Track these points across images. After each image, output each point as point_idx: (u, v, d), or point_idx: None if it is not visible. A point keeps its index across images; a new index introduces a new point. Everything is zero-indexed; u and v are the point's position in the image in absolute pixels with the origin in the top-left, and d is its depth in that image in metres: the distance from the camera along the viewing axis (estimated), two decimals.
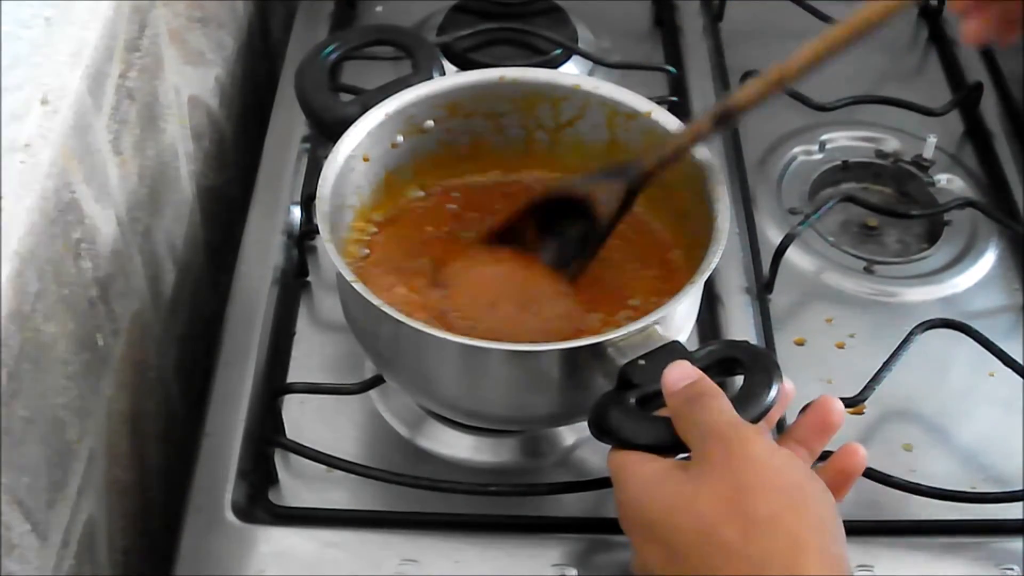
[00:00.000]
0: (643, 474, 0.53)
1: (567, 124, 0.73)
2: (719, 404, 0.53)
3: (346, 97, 0.72)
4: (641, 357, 0.57)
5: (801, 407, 0.68)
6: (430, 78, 0.72)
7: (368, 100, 0.70)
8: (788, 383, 0.57)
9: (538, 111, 0.73)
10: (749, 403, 0.55)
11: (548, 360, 0.60)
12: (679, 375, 0.55)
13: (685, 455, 0.54)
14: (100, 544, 0.64)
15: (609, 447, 0.56)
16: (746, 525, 0.48)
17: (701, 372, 0.55)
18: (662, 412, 0.55)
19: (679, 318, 0.63)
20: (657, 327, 0.59)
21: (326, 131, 0.70)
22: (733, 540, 0.48)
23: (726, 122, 0.64)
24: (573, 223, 0.68)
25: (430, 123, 0.72)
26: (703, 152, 0.67)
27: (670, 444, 0.54)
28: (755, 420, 0.54)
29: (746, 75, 0.92)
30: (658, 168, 0.66)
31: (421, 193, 0.74)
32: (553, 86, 0.72)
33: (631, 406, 0.56)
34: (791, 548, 0.48)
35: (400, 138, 0.71)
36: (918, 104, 0.91)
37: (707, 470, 0.51)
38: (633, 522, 0.53)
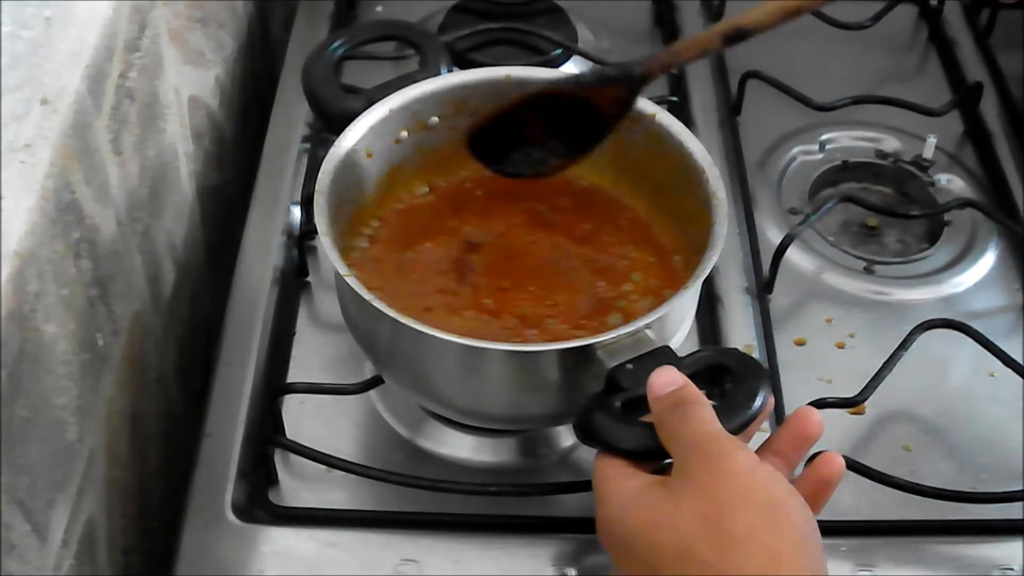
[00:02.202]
0: (624, 490, 0.53)
1: None
2: (702, 413, 0.53)
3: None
4: (630, 361, 0.57)
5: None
6: (438, 74, 0.72)
7: (374, 95, 0.70)
8: (769, 397, 0.57)
9: None
10: (733, 412, 0.54)
11: (542, 360, 0.60)
12: (665, 381, 0.55)
13: (668, 460, 0.53)
14: (100, 544, 0.64)
15: (595, 454, 0.56)
16: (723, 542, 0.48)
17: (687, 379, 0.55)
18: (647, 418, 0.55)
19: (673, 322, 0.63)
20: (648, 331, 0.58)
21: (332, 125, 0.70)
22: (709, 557, 0.48)
23: (736, 41, 0.60)
24: (560, 126, 0.65)
25: (435, 119, 0.72)
26: (705, 157, 0.67)
27: (653, 450, 0.54)
28: (737, 429, 0.54)
29: (747, 76, 0.92)
30: (658, 72, 0.63)
31: (425, 189, 0.74)
32: None
33: (616, 410, 0.56)
34: (767, 565, 0.48)
35: (404, 134, 0.71)
36: (918, 104, 0.91)
37: (687, 484, 0.50)
38: (613, 537, 0.53)
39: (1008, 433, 0.72)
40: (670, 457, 0.53)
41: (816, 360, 0.76)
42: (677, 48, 0.63)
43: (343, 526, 0.66)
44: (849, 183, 0.91)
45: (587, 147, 0.66)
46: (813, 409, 0.57)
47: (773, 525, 0.49)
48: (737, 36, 0.59)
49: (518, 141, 0.67)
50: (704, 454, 0.51)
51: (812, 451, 0.57)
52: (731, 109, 0.93)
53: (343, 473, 0.67)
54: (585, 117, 0.64)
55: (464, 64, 0.89)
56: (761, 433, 0.59)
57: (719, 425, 0.52)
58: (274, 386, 0.72)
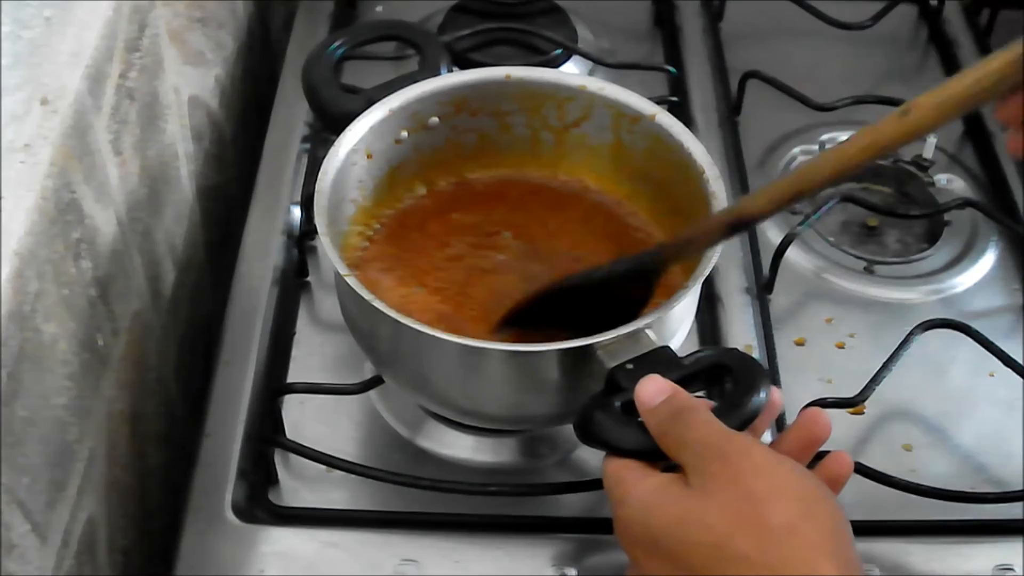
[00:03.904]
0: (643, 490, 0.52)
1: (573, 125, 0.73)
2: (701, 417, 0.52)
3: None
4: (630, 361, 0.57)
5: (801, 408, 0.68)
6: (438, 74, 0.72)
7: (374, 95, 0.70)
8: (776, 394, 0.57)
9: (544, 111, 0.72)
10: (733, 411, 0.54)
11: (542, 360, 0.60)
12: (653, 391, 0.54)
13: (670, 463, 0.53)
14: (100, 544, 0.64)
15: (603, 454, 0.56)
16: (761, 535, 0.48)
17: (675, 385, 0.55)
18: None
19: (673, 322, 0.63)
20: (648, 331, 0.58)
21: (332, 125, 0.70)
22: (749, 550, 0.48)
23: (740, 229, 0.59)
24: (588, 311, 0.63)
25: (435, 120, 0.72)
26: (705, 157, 0.67)
27: (653, 450, 0.53)
28: (739, 428, 0.53)
29: (747, 76, 0.92)
30: (670, 261, 0.62)
31: (424, 191, 0.74)
32: (559, 86, 0.72)
33: (616, 411, 0.56)
34: (808, 555, 0.48)
35: (404, 134, 0.71)
36: None
37: (711, 483, 0.50)
38: (636, 538, 0.52)
39: (1008, 433, 0.72)
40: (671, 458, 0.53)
41: (816, 360, 0.76)
42: (688, 236, 0.61)
43: (343, 526, 0.66)
44: (849, 183, 0.90)
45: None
46: (821, 411, 0.56)
47: (809, 516, 0.49)
48: (740, 224, 0.58)
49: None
50: (721, 454, 0.51)
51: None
52: (731, 109, 0.93)
53: (343, 473, 0.67)
54: (611, 302, 0.62)
55: (464, 64, 0.89)
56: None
57: (723, 424, 0.52)
58: (274, 386, 0.72)
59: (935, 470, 0.70)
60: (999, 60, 0.49)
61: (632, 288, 0.62)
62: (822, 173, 0.54)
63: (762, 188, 0.56)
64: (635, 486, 0.53)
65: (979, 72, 0.49)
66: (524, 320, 0.65)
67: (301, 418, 0.71)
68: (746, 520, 0.48)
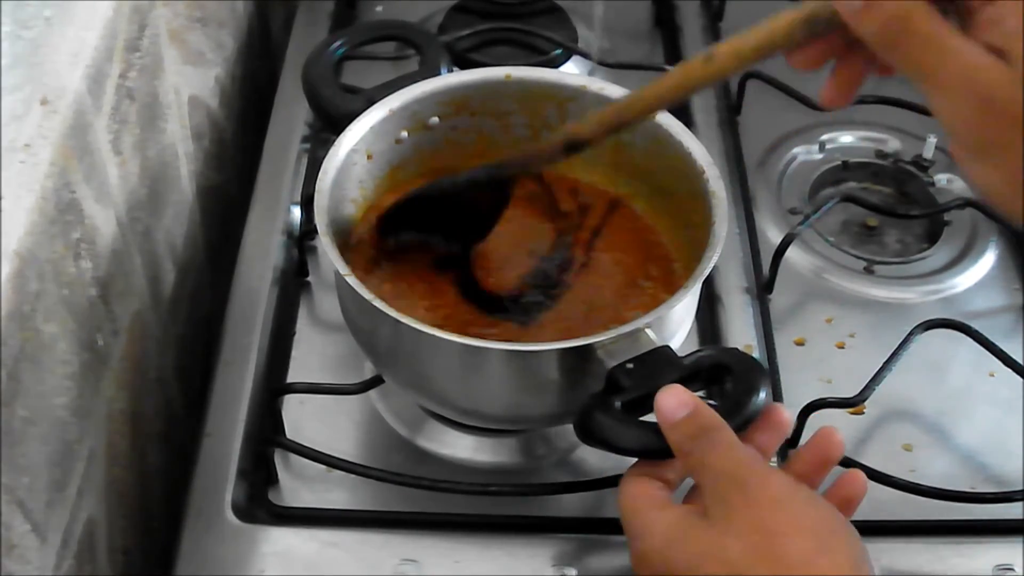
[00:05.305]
0: (662, 523, 0.52)
1: None
2: (726, 439, 0.53)
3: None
4: (630, 361, 0.57)
5: (801, 408, 0.69)
6: (438, 74, 0.72)
7: (374, 96, 0.70)
8: (784, 414, 0.56)
9: (544, 111, 0.72)
10: (733, 411, 0.54)
11: (542, 360, 0.60)
12: (675, 404, 0.54)
13: (672, 459, 0.54)
14: (100, 544, 0.64)
15: (607, 459, 0.56)
16: (778, 569, 0.48)
17: (696, 399, 0.54)
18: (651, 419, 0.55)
19: (673, 322, 0.63)
20: (648, 331, 0.58)
21: (332, 125, 0.70)
22: None
23: (574, 150, 0.61)
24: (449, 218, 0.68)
25: (435, 120, 0.72)
26: (705, 157, 0.67)
27: (654, 450, 0.54)
28: (737, 429, 0.54)
29: (747, 76, 0.92)
30: (519, 174, 0.67)
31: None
32: (559, 86, 0.72)
33: (616, 410, 0.56)
34: None
35: (404, 134, 0.71)
36: (918, 104, 0.91)
37: (729, 515, 0.50)
38: (654, 572, 0.52)
39: (1008, 433, 0.72)
40: (671, 456, 0.53)
41: (816, 360, 0.76)
42: (531, 152, 0.65)
43: (343, 526, 0.66)
44: (849, 183, 0.91)
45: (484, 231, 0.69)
46: (835, 430, 0.57)
47: (827, 549, 0.49)
48: (572, 145, 0.61)
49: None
50: (739, 482, 0.51)
51: None
52: (731, 109, 0.93)
53: (343, 473, 0.67)
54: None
55: (464, 64, 0.89)
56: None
57: (745, 449, 0.53)
58: (274, 386, 0.72)
59: (935, 470, 0.70)
60: (787, 18, 0.53)
61: (490, 196, 0.67)
62: (640, 105, 0.59)
63: (589, 114, 0.61)
64: (654, 519, 0.53)
65: (771, 26, 0.54)
66: (397, 225, 0.68)
67: (301, 418, 0.71)
68: (764, 554, 0.49)
